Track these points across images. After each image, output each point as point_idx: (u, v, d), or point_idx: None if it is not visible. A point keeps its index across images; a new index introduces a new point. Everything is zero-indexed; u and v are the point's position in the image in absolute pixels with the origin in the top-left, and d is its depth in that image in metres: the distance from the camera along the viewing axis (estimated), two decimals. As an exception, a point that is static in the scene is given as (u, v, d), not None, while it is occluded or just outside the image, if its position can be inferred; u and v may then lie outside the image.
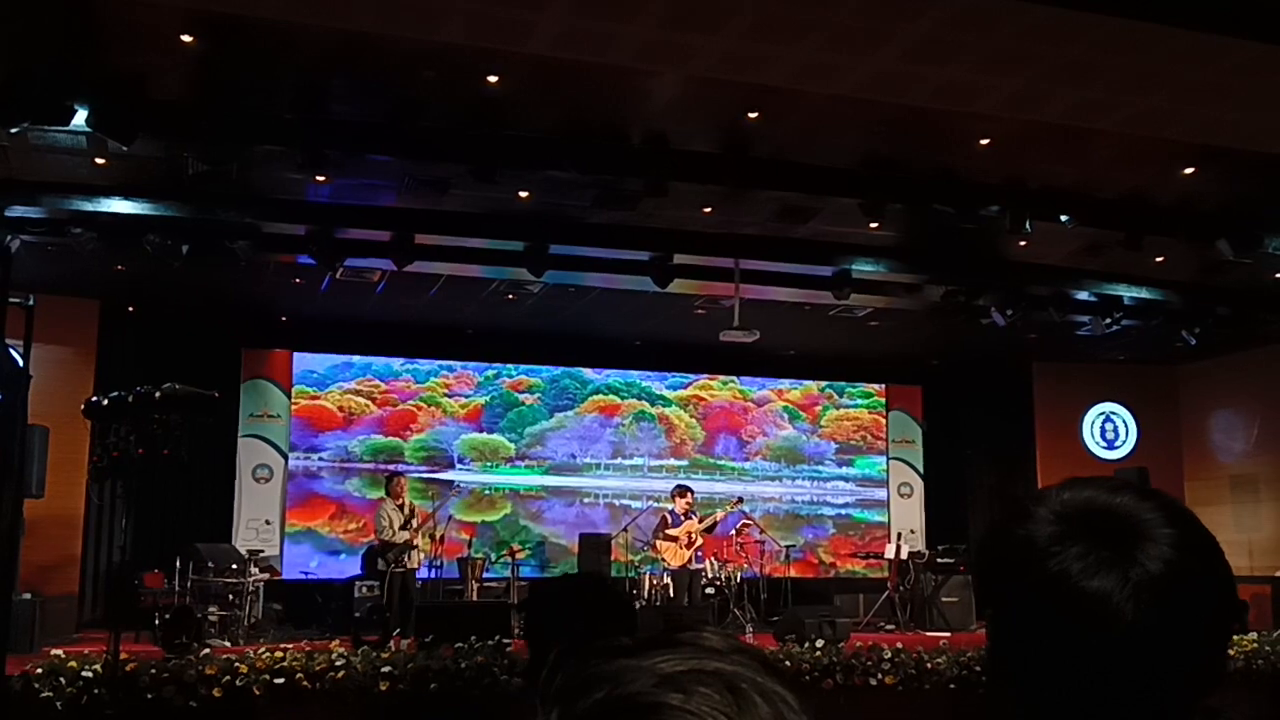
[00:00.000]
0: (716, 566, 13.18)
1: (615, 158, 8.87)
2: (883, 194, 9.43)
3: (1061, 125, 8.20)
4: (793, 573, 14.28)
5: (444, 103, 8.15)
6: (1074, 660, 1.06)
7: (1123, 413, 16.37)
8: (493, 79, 7.74)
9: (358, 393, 14.97)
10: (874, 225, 10.12)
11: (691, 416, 16.31)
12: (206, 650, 8.84)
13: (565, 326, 14.02)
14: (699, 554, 12.59)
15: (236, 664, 7.63)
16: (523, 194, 9.62)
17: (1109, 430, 16.35)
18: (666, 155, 8.91)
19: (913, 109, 7.97)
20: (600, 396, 15.98)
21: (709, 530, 12.58)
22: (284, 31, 7.07)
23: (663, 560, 12.40)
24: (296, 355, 14.72)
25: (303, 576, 13.43)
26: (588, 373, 15.96)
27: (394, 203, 9.85)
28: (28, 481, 10.17)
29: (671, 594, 12.31)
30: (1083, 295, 12.11)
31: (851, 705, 8.42)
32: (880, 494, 16.90)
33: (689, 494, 12.68)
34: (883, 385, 17.06)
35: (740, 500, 13.42)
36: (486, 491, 15.35)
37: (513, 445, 15.49)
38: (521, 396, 15.64)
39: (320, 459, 14.72)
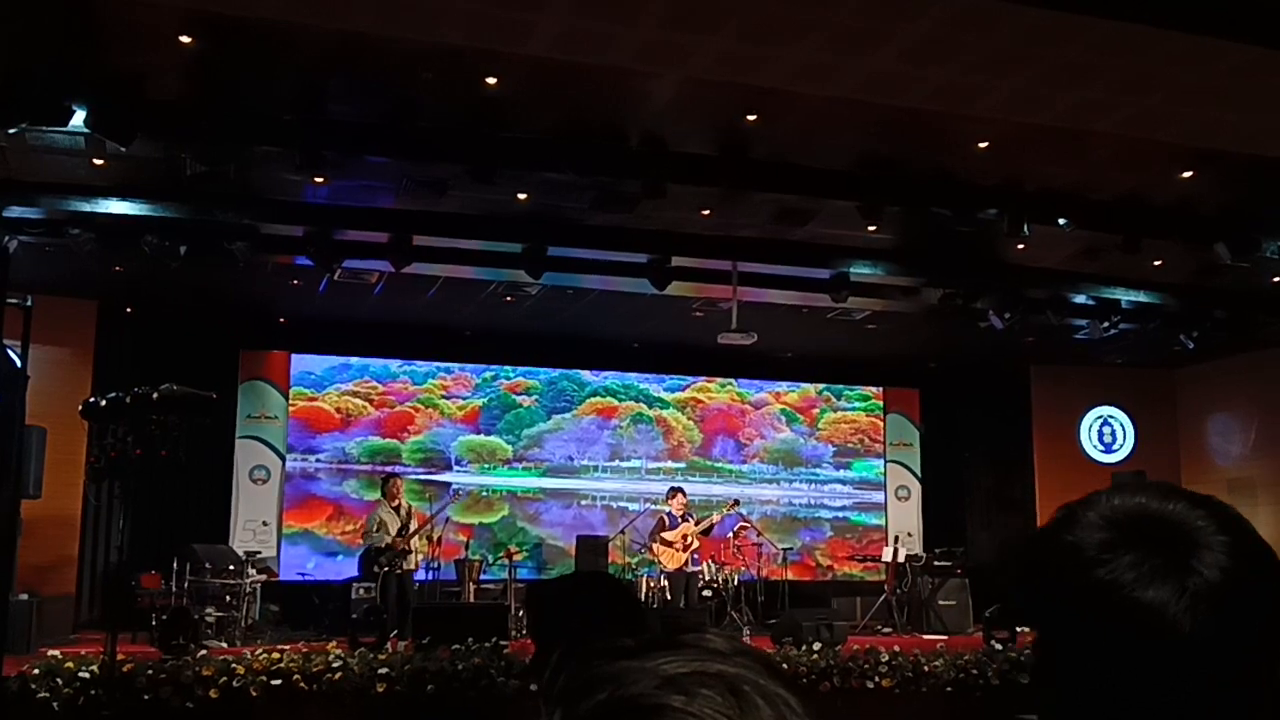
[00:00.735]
0: (713, 569, 13.18)
1: (613, 159, 8.87)
2: (881, 196, 9.43)
3: (1059, 128, 8.21)
4: (790, 575, 14.28)
5: (442, 104, 8.15)
6: (1124, 669, 1.04)
7: (1120, 416, 16.38)
8: (491, 80, 7.74)
9: (355, 394, 14.97)
10: (872, 228, 10.12)
11: (689, 419, 16.31)
12: (203, 651, 8.85)
13: (563, 328, 14.01)
14: (696, 556, 12.60)
15: (233, 665, 7.63)
16: (521, 196, 9.62)
17: (1107, 433, 16.36)
18: (665, 157, 8.91)
19: (910, 111, 7.97)
20: (598, 398, 15.98)
21: (705, 532, 12.59)
22: (283, 32, 7.07)
23: (659, 563, 12.40)
24: (294, 356, 14.71)
25: (300, 578, 13.42)
26: (585, 375, 15.95)
27: (392, 204, 9.85)
28: (25, 482, 10.16)
29: (668, 596, 12.31)
30: (1080, 298, 12.12)
31: (849, 708, 8.42)
32: (877, 497, 16.90)
33: (680, 494, 12.69)
34: (880, 388, 17.06)
35: (737, 502, 13.42)
36: (484, 493, 15.34)
37: (510, 447, 15.48)
38: (519, 398, 15.64)
39: (317, 460, 14.71)
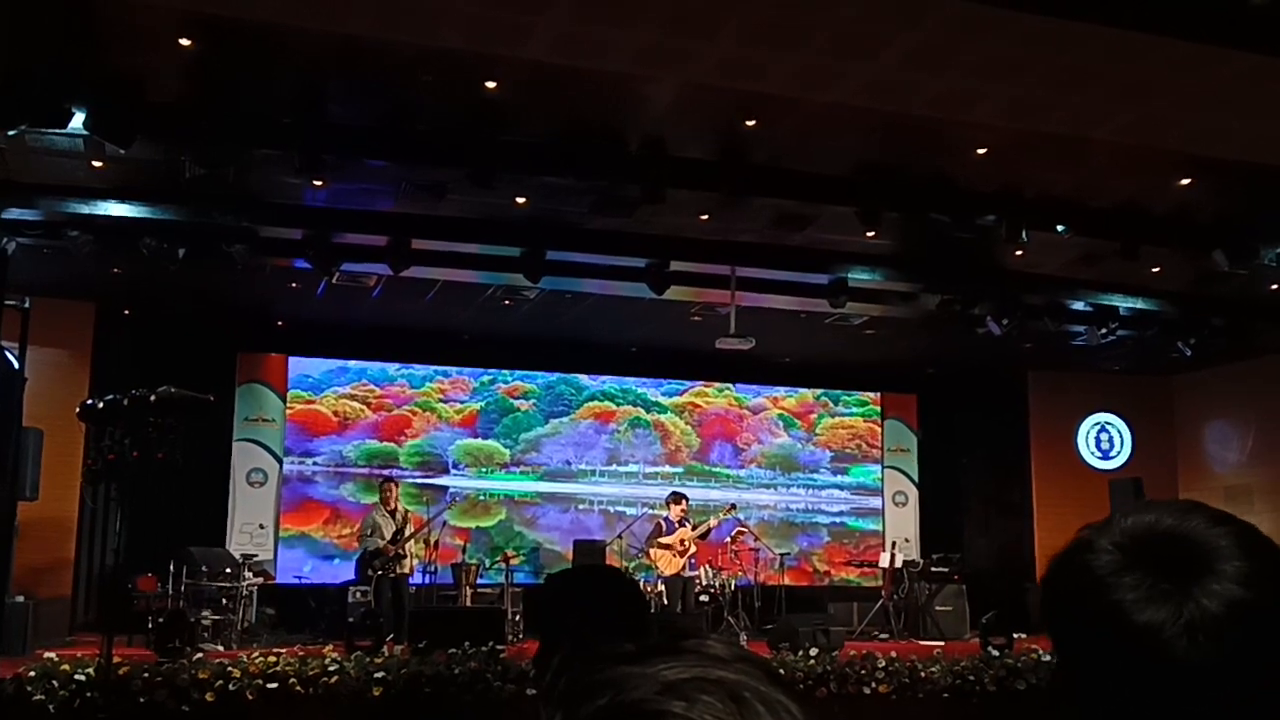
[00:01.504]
0: (711, 574, 13.16)
1: (612, 164, 8.88)
2: (879, 202, 9.44)
3: (1058, 135, 8.22)
4: (787, 581, 14.26)
5: (442, 107, 8.16)
6: (1134, 691, 1.02)
7: (1118, 423, 16.39)
8: (491, 84, 7.74)
9: (353, 397, 14.96)
10: (870, 233, 10.13)
11: (687, 423, 16.31)
12: (199, 654, 8.83)
13: (561, 332, 14.02)
14: (693, 561, 12.58)
15: (229, 668, 7.61)
16: (520, 200, 9.62)
17: (1104, 440, 16.36)
18: (663, 162, 8.92)
19: (909, 117, 7.98)
20: (596, 403, 15.98)
21: (702, 537, 12.57)
22: (282, 35, 7.07)
23: (656, 568, 12.39)
24: (292, 359, 14.70)
25: (296, 581, 13.40)
26: (583, 379, 15.95)
27: (391, 207, 9.86)
28: (21, 484, 10.17)
29: (665, 601, 12.29)
30: (1078, 305, 12.14)
31: (846, 713, 8.41)
32: (875, 502, 16.89)
33: (684, 501, 12.68)
34: (878, 393, 17.06)
35: (734, 507, 13.40)
36: (481, 497, 15.33)
37: (508, 451, 15.47)
38: (517, 402, 15.63)
39: (315, 463, 14.69)
